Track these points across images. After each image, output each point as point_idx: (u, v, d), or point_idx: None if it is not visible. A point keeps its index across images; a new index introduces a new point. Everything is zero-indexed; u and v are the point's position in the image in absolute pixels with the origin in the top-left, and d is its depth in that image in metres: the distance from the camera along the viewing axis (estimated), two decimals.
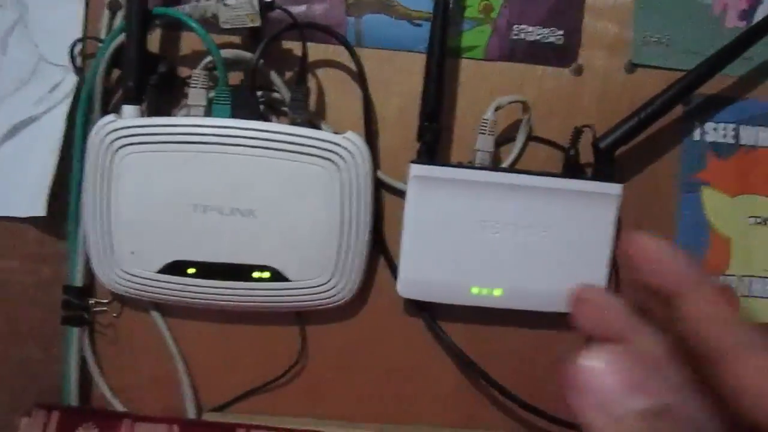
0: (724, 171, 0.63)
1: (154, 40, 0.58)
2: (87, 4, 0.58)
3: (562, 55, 0.61)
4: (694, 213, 0.63)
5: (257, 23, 0.54)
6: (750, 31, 0.59)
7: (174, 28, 0.59)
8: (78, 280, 0.58)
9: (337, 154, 0.54)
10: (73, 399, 0.59)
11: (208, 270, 0.55)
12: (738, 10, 0.62)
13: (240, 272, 0.56)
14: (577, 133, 0.58)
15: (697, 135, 0.63)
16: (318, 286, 0.57)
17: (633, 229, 0.62)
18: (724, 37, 0.59)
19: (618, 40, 0.61)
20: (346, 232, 0.56)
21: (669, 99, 0.58)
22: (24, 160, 0.58)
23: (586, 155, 0.59)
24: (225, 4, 0.54)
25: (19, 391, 0.61)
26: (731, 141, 0.63)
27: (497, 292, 0.58)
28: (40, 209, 0.57)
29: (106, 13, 0.58)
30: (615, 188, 0.57)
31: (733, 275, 0.63)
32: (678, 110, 0.61)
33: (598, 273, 0.58)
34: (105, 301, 0.59)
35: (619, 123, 0.58)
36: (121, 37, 0.55)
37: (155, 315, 0.60)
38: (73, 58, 0.58)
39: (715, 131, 0.63)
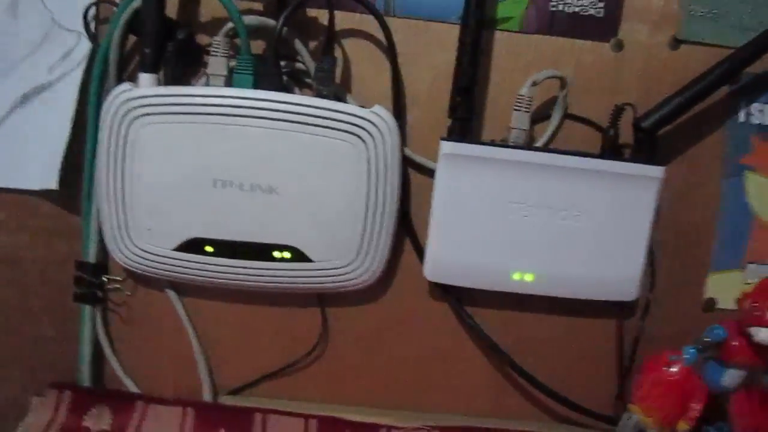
0: None
1: (172, 5, 0.55)
2: None
3: (603, 28, 0.57)
4: (737, 198, 0.60)
5: None
6: None
7: None
8: (91, 257, 0.56)
9: (364, 129, 0.51)
10: (86, 378, 0.58)
11: (227, 248, 0.53)
12: None
13: (260, 251, 0.53)
14: (618, 111, 0.55)
15: (742, 116, 0.59)
16: (341, 267, 0.54)
17: (672, 215, 0.59)
18: None
19: (662, 13, 0.58)
20: (372, 212, 0.53)
21: (715, 78, 0.55)
22: (36, 129, 0.56)
23: (626, 135, 0.56)
24: None
25: (32, 370, 0.60)
26: None
27: (528, 278, 0.55)
28: (52, 182, 0.54)
29: None
30: (656, 171, 0.54)
31: None
32: (723, 90, 0.58)
33: (635, 260, 0.56)
34: (119, 278, 0.57)
35: (662, 102, 0.55)
36: (138, 2, 0.52)
37: (171, 294, 0.58)
38: (87, 22, 0.55)
39: (761, 113, 0.59)
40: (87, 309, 0.57)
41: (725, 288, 0.60)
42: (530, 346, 0.59)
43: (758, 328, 0.49)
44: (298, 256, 0.53)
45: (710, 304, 0.60)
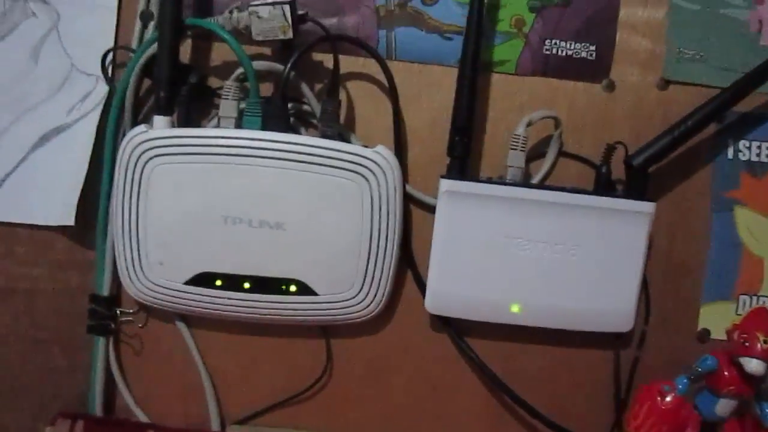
0: (758, 190, 0.62)
1: (185, 51, 0.58)
2: (119, 14, 0.59)
3: (595, 70, 0.60)
4: (726, 232, 0.62)
5: (289, 35, 0.54)
6: None
7: (206, 38, 0.59)
8: (105, 290, 0.58)
9: (367, 167, 0.54)
10: (97, 408, 0.59)
11: (236, 282, 0.55)
12: None
13: (267, 285, 0.55)
14: (610, 149, 0.57)
15: (730, 153, 0.62)
16: (345, 300, 0.56)
17: (664, 248, 0.61)
18: (760, 55, 0.58)
19: (651, 56, 0.60)
20: (375, 247, 0.55)
21: (703, 116, 0.57)
22: (54, 168, 0.59)
23: (618, 172, 0.58)
24: (258, 16, 0.54)
25: (44, 399, 0.61)
26: (766, 159, 0.62)
27: (526, 310, 0.57)
28: (69, 218, 0.57)
29: (138, 23, 0.58)
30: (647, 206, 0.56)
31: (767, 296, 0.62)
32: (711, 127, 0.60)
33: (629, 292, 0.58)
34: (131, 311, 0.59)
35: (652, 140, 0.57)
36: (153, 48, 0.55)
37: (181, 326, 0.60)
38: (104, 67, 0.58)
39: (749, 149, 0.62)
40: (100, 340, 0.59)
41: (718, 319, 0.61)
42: (529, 377, 0.61)
43: (748, 358, 0.51)
44: (304, 289, 0.56)
45: (704, 335, 0.62)
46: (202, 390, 0.60)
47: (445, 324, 0.60)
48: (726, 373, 0.53)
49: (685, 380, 0.54)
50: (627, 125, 0.60)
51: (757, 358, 0.50)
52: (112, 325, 0.59)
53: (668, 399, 0.54)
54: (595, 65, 0.60)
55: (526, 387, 0.60)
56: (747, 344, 0.51)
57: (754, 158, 0.62)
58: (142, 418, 0.60)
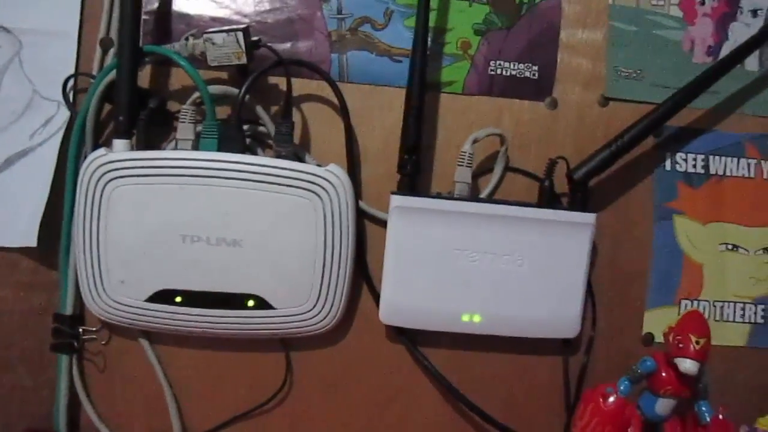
0: (695, 199, 0.65)
1: (145, 76, 0.61)
2: (80, 42, 0.61)
3: (538, 89, 0.63)
4: (667, 240, 0.65)
5: (243, 61, 0.56)
6: (716, 67, 0.61)
7: (165, 64, 0.61)
8: (68, 309, 0.60)
9: (320, 186, 0.56)
10: (62, 426, 0.60)
11: (195, 298, 0.57)
12: (705, 46, 0.65)
13: (226, 300, 0.57)
14: (552, 164, 0.60)
15: (668, 165, 0.65)
16: (302, 313, 0.58)
17: (609, 257, 0.64)
18: (692, 72, 0.62)
19: (592, 75, 0.64)
20: (329, 261, 0.58)
21: (641, 131, 0.60)
22: (18, 191, 0.60)
23: (563, 186, 0.61)
24: (213, 43, 0.56)
25: (11, 418, 0.62)
26: (701, 171, 0.65)
27: (477, 319, 0.60)
28: (32, 240, 0.58)
29: (98, 50, 0.60)
30: (589, 217, 0.59)
31: (707, 300, 0.65)
32: (650, 141, 0.64)
33: (575, 299, 0.60)
34: (94, 329, 0.61)
35: (592, 154, 0.61)
36: (113, 74, 0.57)
37: (144, 342, 0.61)
38: (66, 93, 0.60)
39: (685, 161, 0.65)
40: (64, 358, 0.60)
41: (662, 323, 0.64)
42: (482, 384, 0.63)
43: (683, 358, 0.54)
44: (262, 304, 0.57)
45: (649, 339, 0.65)
46: (165, 405, 0.61)
47: (400, 334, 0.62)
48: (664, 373, 0.56)
49: (627, 382, 0.57)
50: (570, 141, 0.64)
51: (691, 358, 0.53)
52: (76, 344, 0.60)
53: (611, 400, 0.56)
54: (539, 84, 0.63)
55: (481, 394, 0.62)
56: (681, 346, 0.54)
57: (690, 169, 0.65)
58: None
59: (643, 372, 0.57)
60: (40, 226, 0.59)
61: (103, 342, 0.61)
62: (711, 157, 0.65)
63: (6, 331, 0.62)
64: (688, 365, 0.53)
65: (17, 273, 0.61)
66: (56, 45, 0.61)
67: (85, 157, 0.57)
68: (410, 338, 0.62)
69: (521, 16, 0.63)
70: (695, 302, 0.65)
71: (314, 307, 0.58)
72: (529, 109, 0.63)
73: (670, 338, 0.55)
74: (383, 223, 0.59)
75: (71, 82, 0.60)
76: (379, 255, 0.60)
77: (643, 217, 0.65)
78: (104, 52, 0.60)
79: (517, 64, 0.63)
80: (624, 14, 0.64)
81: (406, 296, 0.59)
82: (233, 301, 0.57)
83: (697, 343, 0.53)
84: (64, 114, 0.60)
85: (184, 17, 0.61)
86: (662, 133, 0.65)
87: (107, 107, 0.60)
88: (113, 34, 0.60)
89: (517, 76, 0.63)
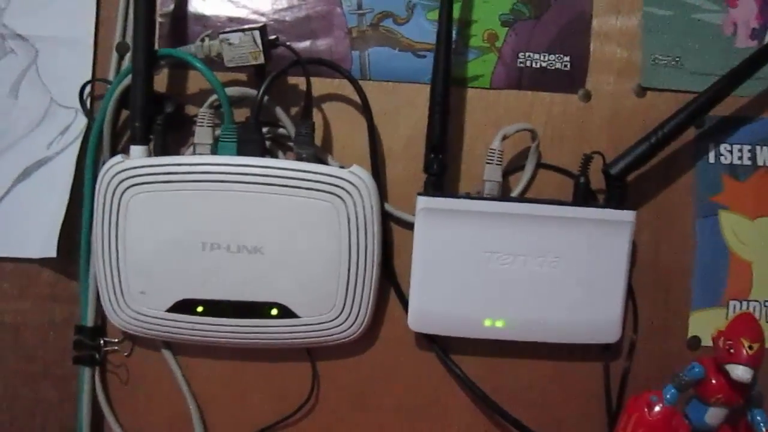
0: (742, 193, 0.61)
1: (161, 80, 0.59)
2: (96, 48, 0.59)
3: (570, 81, 0.60)
4: (712, 237, 0.61)
5: (261, 61, 0.55)
6: (762, 51, 0.58)
7: (181, 67, 0.59)
8: (89, 320, 0.58)
9: (343, 188, 0.54)
10: None
11: (217, 308, 0.55)
12: (749, 30, 0.61)
13: (248, 310, 0.55)
14: (587, 159, 0.57)
15: (712, 157, 0.61)
16: (327, 321, 0.56)
17: (650, 256, 0.60)
18: (735, 57, 0.58)
19: (626, 63, 0.60)
20: (355, 267, 0.55)
21: (681, 122, 0.57)
22: (36, 201, 0.59)
23: (598, 182, 0.58)
24: (229, 43, 0.54)
25: (34, 431, 0.61)
26: (748, 162, 0.61)
27: (511, 325, 0.57)
28: (51, 250, 0.57)
29: (115, 55, 0.59)
30: (628, 215, 0.56)
31: (757, 301, 0.61)
32: (691, 132, 0.60)
33: (615, 302, 0.57)
34: (116, 340, 0.59)
35: (630, 148, 0.57)
36: (129, 79, 0.56)
37: (166, 353, 0.60)
38: (82, 100, 0.59)
39: (730, 153, 0.61)
40: (86, 371, 0.59)
41: (708, 326, 0.60)
42: (518, 392, 0.60)
43: (734, 365, 0.50)
44: (285, 312, 0.55)
45: (695, 343, 0.61)
46: (189, 417, 0.60)
47: (430, 341, 0.60)
48: (713, 380, 0.52)
49: (673, 390, 0.53)
50: (605, 134, 0.60)
51: (743, 364, 0.49)
52: (97, 356, 0.59)
53: (656, 409, 0.53)
54: (570, 76, 0.60)
55: (516, 403, 0.60)
56: (732, 351, 0.50)
57: (735, 161, 0.61)
58: None
59: (690, 379, 0.53)
60: (60, 236, 0.58)
61: (125, 354, 0.60)
62: (758, 148, 0.61)
63: (28, 344, 0.61)
64: (740, 372, 0.49)
65: (38, 285, 0.60)
66: (72, 51, 0.59)
67: (103, 165, 0.55)
68: (441, 345, 0.59)
69: (550, 4, 0.60)
70: (744, 303, 0.61)
71: (340, 314, 0.56)
72: (561, 102, 0.60)
73: (720, 343, 0.51)
74: (410, 226, 0.57)
75: (88, 89, 0.59)
76: (406, 259, 0.57)
77: (685, 214, 0.61)
78: (120, 57, 0.59)
79: (547, 55, 0.60)
80: None
81: (436, 302, 0.56)
82: (256, 310, 0.55)
83: (750, 348, 0.50)
84: (82, 121, 0.59)
85: (201, 18, 0.59)
86: (704, 124, 0.61)
87: (125, 114, 0.59)
88: (129, 39, 0.58)
89: (548, 67, 0.60)
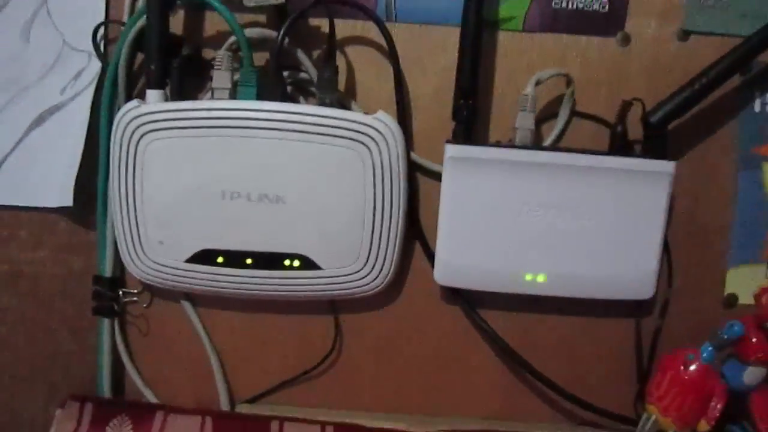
0: None
1: (177, 22, 0.56)
2: None
3: (608, 23, 0.57)
4: (754, 191, 0.58)
5: (281, 0, 0.52)
6: None
7: (198, 8, 0.56)
8: (108, 271, 0.57)
9: (368, 135, 0.52)
10: (106, 390, 0.59)
11: (238, 259, 0.54)
12: None
13: (270, 260, 0.54)
14: (625, 107, 0.54)
15: (757, 106, 0.58)
16: (351, 274, 0.54)
17: (687, 210, 0.58)
18: None
19: (668, 5, 0.57)
20: (379, 218, 0.53)
21: (726, 68, 0.53)
22: (51, 149, 0.57)
23: (635, 131, 0.55)
24: None
25: (54, 383, 0.61)
26: None
27: (541, 279, 0.55)
28: (68, 199, 0.56)
29: None
30: (667, 166, 0.53)
31: None
32: (735, 80, 0.56)
33: (650, 257, 0.55)
34: (135, 291, 0.58)
35: (671, 95, 0.54)
36: (144, 21, 0.53)
37: (186, 305, 0.59)
38: (96, 43, 0.56)
39: None
40: (105, 322, 0.58)
41: (746, 283, 0.58)
42: (545, 348, 0.59)
43: None
44: (308, 264, 0.54)
45: (731, 300, 0.59)
46: (211, 369, 0.59)
47: (456, 295, 0.58)
48: (754, 339, 0.50)
49: (710, 348, 0.51)
50: (644, 81, 0.57)
51: None
52: (117, 307, 0.58)
53: (692, 368, 0.51)
54: (608, 18, 0.57)
55: (544, 359, 0.58)
56: None
57: None
58: (152, 398, 0.60)
59: (729, 338, 0.51)
60: (76, 184, 0.56)
61: (144, 305, 0.59)
62: None
63: (46, 295, 0.60)
64: None
65: (55, 234, 0.59)
66: None
67: (118, 110, 0.53)
68: (467, 300, 0.58)
69: None
70: None
71: (364, 267, 0.54)
72: (598, 46, 0.57)
73: (763, 300, 0.49)
74: (437, 176, 0.54)
75: (101, 31, 0.56)
76: (433, 210, 0.55)
77: (726, 166, 0.58)
78: None
79: None
80: None
81: (463, 255, 0.54)
82: (277, 261, 0.54)
83: None
84: (96, 66, 0.57)
85: None
86: (751, 70, 0.57)
87: (141, 57, 0.56)
88: None
89: (584, 9, 0.57)
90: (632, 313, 0.59)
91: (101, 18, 0.57)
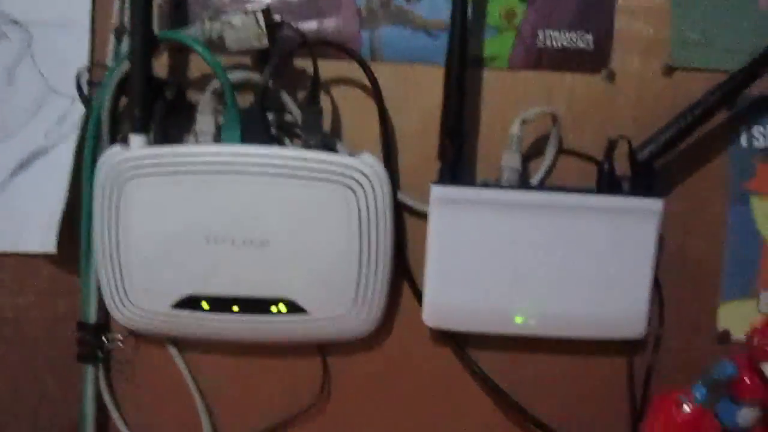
0: None
1: (162, 65, 0.56)
2: (93, 31, 0.56)
3: (593, 60, 0.57)
4: (744, 224, 0.58)
5: (265, 43, 0.51)
6: None
7: (183, 51, 0.56)
8: (92, 317, 0.56)
9: (353, 177, 0.51)
10: None
11: (223, 304, 0.53)
12: None
13: (256, 305, 0.53)
14: (612, 144, 0.54)
15: (744, 141, 0.58)
16: (338, 317, 0.54)
17: (678, 245, 0.57)
18: None
19: (653, 41, 0.57)
20: (366, 260, 0.53)
21: (712, 103, 0.54)
22: (35, 193, 0.57)
23: (623, 168, 0.55)
24: (231, 25, 0.51)
25: (39, 428, 0.60)
26: None
27: (530, 320, 0.54)
28: (50, 245, 0.55)
29: (112, 39, 0.56)
30: (656, 204, 0.53)
31: None
32: (722, 114, 0.56)
33: (640, 295, 0.54)
34: (120, 337, 0.57)
35: (657, 132, 0.54)
36: (127, 64, 0.53)
37: (172, 350, 0.58)
38: (79, 86, 0.56)
39: (763, 135, 0.58)
40: (90, 369, 0.57)
41: (739, 318, 0.58)
42: (537, 389, 0.58)
43: None
44: (295, 308, 0.53)
45: (725, 336, 0.58)
46: (197, 414, 0.58)
47: (446, 336, 0.57)
48: (747, 380, 0.49)
49: (704, 390, 0.50)
50: (630, 117, 0.57)
51: None
52: (101, 353, 0.57)
53: (686, 409, 0.50)
54: (593, 55, 0.57)
55: (535, 399, 0.57)
56: None
57: None
58: None
59: (721, 378, 0.50)
60: (60, 229, 0.55)
61: (129, 350, 0.58)
62: None
63: (31, 339, 0.59)
64: None
65: (39, 279, 0.58)
66: (68, 35, 0.57)
67: (102, 155, 0.53)
68: (457, 340, 0.57)
69: None
70: None
71: (351, 309, 0.53)
72: (584, 83, 0.57)
73: (755, 340, 0.48)
74: (424, 216, 0.54)
75: (85, 75, 0.56)
76: (420, 250, 0.54)
77: (715, 201, 0.58)
78: (119, 41, 0.56)
79: (568, 32, 0.56)
80: None
81: (452, 296, 0.54)
82: (263, 305, 0.53)
83: None
84: (80, 109, 0.56)
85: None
86: (736, 105, 0.57)
87: (125, 100, 0.56)
88: (128, 22, 0.55)
89: (569, 46, 0.57)
90: (624, 351, 0.58)
91: (85, 62, 0.56)
